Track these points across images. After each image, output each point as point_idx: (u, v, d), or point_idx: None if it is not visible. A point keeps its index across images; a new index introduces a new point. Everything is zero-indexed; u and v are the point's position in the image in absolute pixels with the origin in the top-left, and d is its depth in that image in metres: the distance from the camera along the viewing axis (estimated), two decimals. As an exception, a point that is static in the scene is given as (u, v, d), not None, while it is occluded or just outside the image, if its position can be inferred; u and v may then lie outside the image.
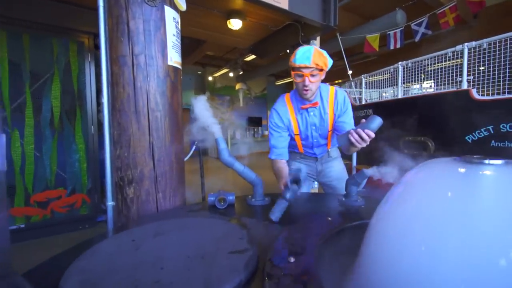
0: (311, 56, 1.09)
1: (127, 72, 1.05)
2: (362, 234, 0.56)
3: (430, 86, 3.70)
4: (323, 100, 1.25)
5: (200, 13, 2.44)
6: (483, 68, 2.71)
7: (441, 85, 3.25)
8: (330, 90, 1.27)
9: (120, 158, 1.09)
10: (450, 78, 3.06)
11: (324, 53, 1.14)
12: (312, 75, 1.12)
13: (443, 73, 3.10)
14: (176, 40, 1.15)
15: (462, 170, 0.47)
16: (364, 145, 0.97)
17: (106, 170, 1.14)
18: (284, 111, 1.28)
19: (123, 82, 1.05)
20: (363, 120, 0.97)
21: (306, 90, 1.15)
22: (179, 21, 1.21)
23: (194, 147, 3.27)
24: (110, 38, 1.07)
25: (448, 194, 0.44)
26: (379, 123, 0.95)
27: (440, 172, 0.48)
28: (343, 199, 1.13)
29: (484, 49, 2.59)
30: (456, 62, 3.00)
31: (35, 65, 2.27)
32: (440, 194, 0.45)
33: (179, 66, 1.20)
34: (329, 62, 1.15)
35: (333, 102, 1.25)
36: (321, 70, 1.13)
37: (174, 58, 1.14)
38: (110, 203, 1.15)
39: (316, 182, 1.55)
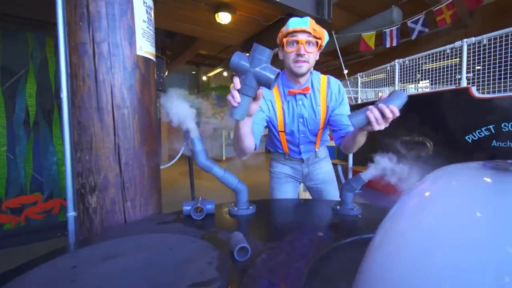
0: (308, 21, 0.95)
1: (88, 62, 0.90)
2: (361, 252, 0.43)
3: (426, 86, 3.61)
4: (314, 89, 1.08)
5: (186, 6, 2.30)
6: (479, 67, 2.61)
7: (438, 83, 3.15)
8: (322, 78, 1.10)
9: (81, 162, 0.94)
10: (448, 76, 2.96)
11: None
12: (309, 43, 0.95)
13: (440, 71, 3.00)
14: (147, 27, 1.01)
15: (496, 179, 0.34)
16: (383, 126, 0.79)
17: (67, 176, 1.00)
18: (269, 93, 1.07)
19: (82, 74, 0.91)
20: (383, 95, 0.81)
21: (301, 62, 0.96)
22: (152, 6, 1.07)
23: (182, 149, 3.12)
24: (68, 23, 0.92)
25: (481, 211, 0.31)
26: (404, 100, 0.78)
27: (467, 182, 0.35)
28: (338, 207, 1.00)
29: (484, 45, 2.49)
30: (452, 61, 2.90)
31: (8, 61, 2.11)
32: (470, 211, 0.32)
33: (152, 58, 1.06)
34: (326, 37, 1.01)
35: (326, 92, 1.08)
36: (319, 39, 0.97)
37: (144, 47, 1.00)
38: (71, 213, 1.00)
39: (301, 184, 1.40)
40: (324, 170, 1.30)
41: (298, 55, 0.96)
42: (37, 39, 2.19)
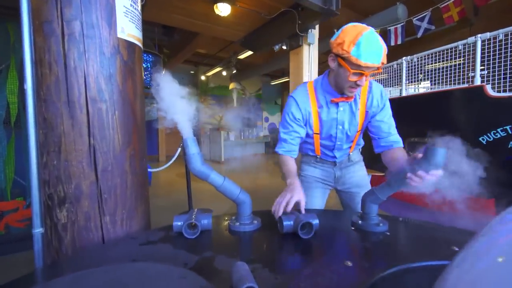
0: (382, 54, 0.84)
1: (55, 45, 0.73)
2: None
3: (428, 87, 3.45)
4: (355, 94, 1.02)
5: (183, -4, 2.14)
6: (482, 67, 2.46)
7: (446, 83, 2.99)
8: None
9: (48, 167, 0.77)
10: (461, 75, 2.80)
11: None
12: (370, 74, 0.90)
13: (455, 69, 2.83)
14: (131, 5, 0.84)
15: None
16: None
17: (32, 185, 0.82)
18: (305, 102, 1.04)
19: (49, 60, 0.74)
20: (419, 155, 0.72)
21: (356, 90, 0.93)
22: (139, -18, 0.90)
23: (178, 150, 2.94)
24: (31, -3, 0.75)
25: None
26: (444, 156, 0.67)
27: None
28: (359, 221, 0.84)
29: (500, 41, 2.34)
30: (461, 60, 2.74)
31: (-13, 54, 1.93)
32: None
33: (138, 43, 0.89)
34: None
35: (367, 97, 1.02)
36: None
37: (127, 29, 0.83)
38: (37, 230, 0.83)
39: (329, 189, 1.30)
40: (358, 174, 1.22)
41: (358, 85, 0.90)
42: (19, 30, 2.01)
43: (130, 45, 0.85)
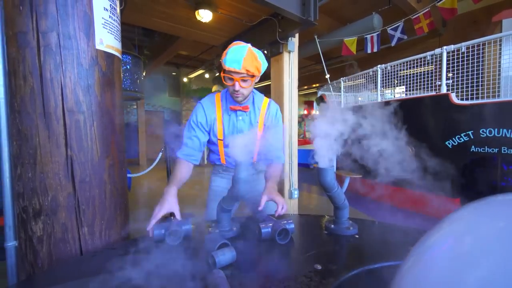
0: (242, 60, 0.95)
1: (30, 56, 0.73)
2: None
3: (403, 92, 3.67)
4: (255, 107, 1.15)
5: (165, 2, 2.13)
6: (450, 74, 2.67)
7: (416, 90, 3.20)
8: (264, 100, 1.19)
9: (22, 180, 0.76)
10: (430, 84, 3.01)
11: (259, 55, 1.01)
12: (243, 80, 1.00)
13: (424, 78, 3.03)
14: (110, 17, 0.85)
15: None
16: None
17: (5, 197, 0.80)
18: (210, 108, 1.13)
19: (23, 71, 0.73)
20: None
21: (237, 94, 1.04)
22: (118, -7, 0.91)
23: (160, 154, 2.91)
24: (5, 6, 0.74)
25: None
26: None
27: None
28: (332, 225, 0.90)
29: (463, 53, 2.55)
30: (430, 68, 2.96)
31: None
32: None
33: (117, 54, 0.90)
34: (263, 66, 1.03)
35: (265, 112, 1.16)
36: (253, 76, 1.01)
37: (106, 40, 0.84)
38: (11, 243, 0.81)
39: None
40: (264, 182, 1.18)
41: (234, 90, 1.01)
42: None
43: (109, 56, 0.85)
